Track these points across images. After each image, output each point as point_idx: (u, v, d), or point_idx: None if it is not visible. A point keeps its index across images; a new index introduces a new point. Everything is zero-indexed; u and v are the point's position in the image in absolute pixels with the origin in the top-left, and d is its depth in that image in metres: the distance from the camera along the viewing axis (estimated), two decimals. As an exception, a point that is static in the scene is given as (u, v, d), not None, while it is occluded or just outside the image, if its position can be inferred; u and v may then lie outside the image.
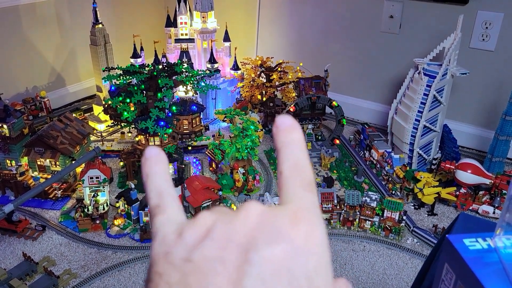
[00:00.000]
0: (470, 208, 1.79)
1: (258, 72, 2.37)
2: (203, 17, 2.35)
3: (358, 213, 1.68)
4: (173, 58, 2.42)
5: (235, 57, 2.46)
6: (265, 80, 2.36)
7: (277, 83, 2.35)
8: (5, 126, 1.86)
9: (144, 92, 1.81)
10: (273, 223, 0.21)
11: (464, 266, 0.43)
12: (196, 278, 0.20)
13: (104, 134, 2.29)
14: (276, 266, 0.20)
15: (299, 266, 0.20)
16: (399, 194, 1.87)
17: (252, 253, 0.20)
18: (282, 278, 0.19)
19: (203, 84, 1.93)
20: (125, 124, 1.93)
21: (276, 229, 0.21)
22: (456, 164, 1.80)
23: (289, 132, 0.25)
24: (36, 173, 1.89)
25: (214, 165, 2.02)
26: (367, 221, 1.68)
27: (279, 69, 2.35)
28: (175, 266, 0.20)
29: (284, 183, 0.24)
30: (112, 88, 1.96)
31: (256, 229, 0.21)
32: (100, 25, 2.23)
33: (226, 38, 2.47)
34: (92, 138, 2.21)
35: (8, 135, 1.87)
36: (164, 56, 2.34)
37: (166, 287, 0.20)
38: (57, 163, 1.86)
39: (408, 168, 1.89)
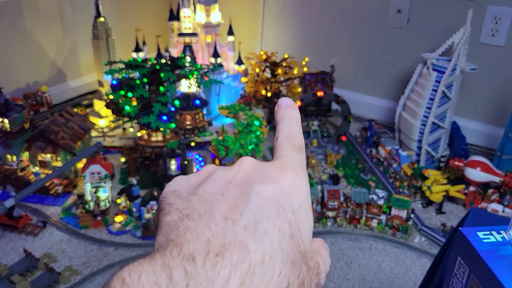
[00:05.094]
0: (479, 206, 1.76)
1: (263, 67, 2.33)
2: (206, 11, 2.32)
3: (364, 211, 1.65)
4: (176, 52, 2.39)
5: (239, 52, 2.42)
6: (269, 76, 2.32)
7: (282, 79, 2.32)
8: (6, 120, 1.84)
9: (147, 86, 1.78)
10: (264, 170, 0.25)
11: (478, 259, 0.41)
12: (202, 204, 0.23)
13: (105, 130, 2.26)
14: (268, 199, 0.23)
15: (286, 202, 0.24)
16: (406, 192, 1.84)
17: (248, 189, 0.24)
18: (273, 208, 0.23)
19: (206, 79, 1.90)
20: (127, 119, 1.90)
21: (267, 174, 0.25)
22: (465, 161, 1.76)
23: (289, 109, 0.31)
24: (37, 168, 1.86)
25: (217, 162, 1.99)
26: (374, 219, 1.65)
27: (284, 64, 2.31)
28: (183, 199, 0.24)
29: (278, 145, 0.29)
30: (114, 82, 1.93)
31: (250, 173, 0.25)
32: (102, 19, 2.19)
33: (230, 33, 2.43)
34: (94, 133, 2.18)
35: (9, 129, 1.84)
36: (167, 50, 2.31)
37: (177, 212, 0.23)
38: (58, 158, 1.83)
39: (415, 165, 1.85)
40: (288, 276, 0.22)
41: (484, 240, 0.43)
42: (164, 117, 1.74)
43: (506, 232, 0.45)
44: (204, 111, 2.14)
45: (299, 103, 1.96)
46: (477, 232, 0.44)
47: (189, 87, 2.07)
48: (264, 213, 0.23)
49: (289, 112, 0.31)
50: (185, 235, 0.22)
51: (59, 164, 1.83)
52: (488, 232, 0.44)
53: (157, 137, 1.81)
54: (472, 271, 0.43)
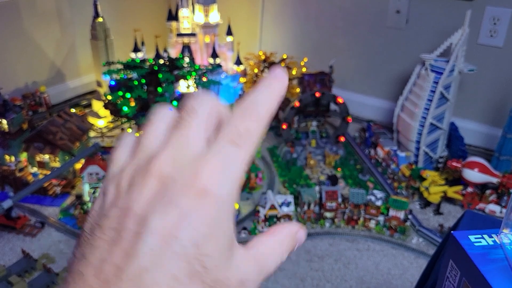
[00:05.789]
0: (477, 207, 1.76)
1: (261, 68, 2.33)
2: (205, 11, 2.31)
3: (362, 212, 1.65)
4: (174, 52, 2.39)
5: (238, 52, 2.42)
6: (268, 76, 2.32)
7: (280, 79, 2.31)
8: (4, 121, 1.84)
9: (145, 87, 1.78)
10: (170, 189, 0.21)
11: (469, 263, 0.42)
12: (96, 244, 0.22)
13: (104, 130, 2.26)
14: (164, 236, 0.20)
15: (186, 233, 0.21)
16: (404, 193, 1.84)
17: (144, 225, 0.21)
18: (169, 247, 0.20)
19: (205, 79, 1.90)
20: (125, 120, 1.90)
21: (170, 197, 0.21)
22: (463, 162, 1.77)
23: (271, 80, 0.25)
24: (35, 168, 1.86)
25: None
26: (372, 220, 1.65)
27: (282, 64, 2.31)
28: (92, 226, 0.23)
29: (223, 127, 0.23)
30: (112, 83, 1.93)
31: (154, 198, 0.22)
32: (101, 19, 2.19)
33: (229, 33, 2.43)
34: (92, 134, 2.18)
35: (7, 130, 1.84)
36: (165, 50, 2.31)
37: (79, 249, 0.22)
38: (57, 159, 1.83)
39: (414, 166, 1.85)
40: None
41: (476, 244, 0.44)
42: (162, 118, 1.74)
43: (497, 236, 0.45)
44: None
45: (297, 103, 1.96)
46: (469, 236, 0.45)
47: (188, 88, 2.08)
48: (157, 258, 0.20)
49: (270, 82, 0.24)
50: (72, 283, 0.21)
51: (57, 164, 1.83)
52: (479, 236, 0.45)
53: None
54: (463, 274, 0.44)
